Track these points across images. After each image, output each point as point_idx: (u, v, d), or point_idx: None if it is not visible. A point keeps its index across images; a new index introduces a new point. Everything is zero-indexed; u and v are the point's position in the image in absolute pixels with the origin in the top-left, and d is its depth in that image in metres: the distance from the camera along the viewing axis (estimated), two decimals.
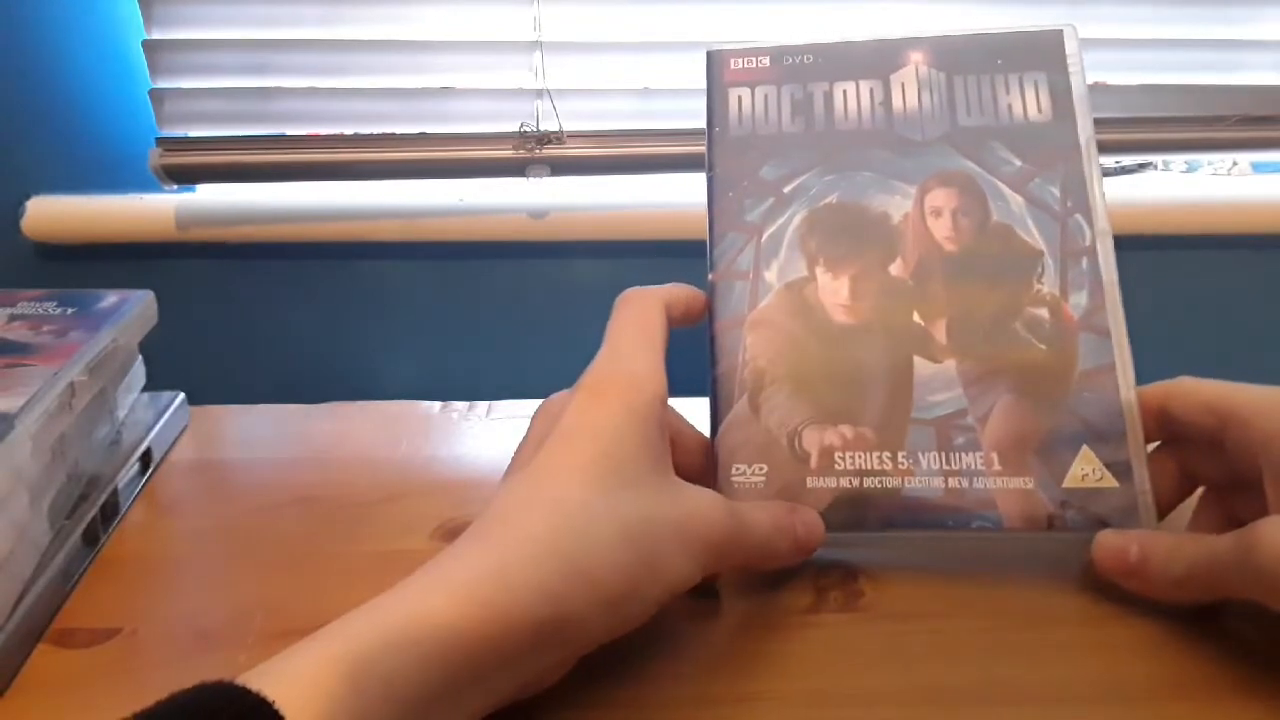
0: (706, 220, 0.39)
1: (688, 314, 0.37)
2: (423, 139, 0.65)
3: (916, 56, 0.40)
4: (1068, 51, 0.40)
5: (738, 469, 0.35)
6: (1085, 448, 0.35)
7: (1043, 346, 0.36)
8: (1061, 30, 0.40)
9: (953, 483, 0.34)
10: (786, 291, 0.37)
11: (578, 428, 0.31)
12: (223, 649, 0.35)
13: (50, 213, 0.67)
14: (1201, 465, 0.36)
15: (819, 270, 0.37)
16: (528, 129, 0.65)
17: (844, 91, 0.40)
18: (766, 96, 0.40)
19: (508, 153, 0.65)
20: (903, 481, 0.35)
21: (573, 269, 0.70)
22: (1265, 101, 0.67)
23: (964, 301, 0.36)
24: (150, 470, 0.46)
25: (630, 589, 0.29)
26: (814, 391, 0.36)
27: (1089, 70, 0.70)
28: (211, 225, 0.68)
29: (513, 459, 0.34)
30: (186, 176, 0.66)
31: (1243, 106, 0.67)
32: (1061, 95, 0.39)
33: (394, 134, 0.65)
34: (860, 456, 0.35)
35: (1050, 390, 0.35)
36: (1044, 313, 0.36)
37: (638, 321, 0.35)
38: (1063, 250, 0.37)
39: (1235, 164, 0.75)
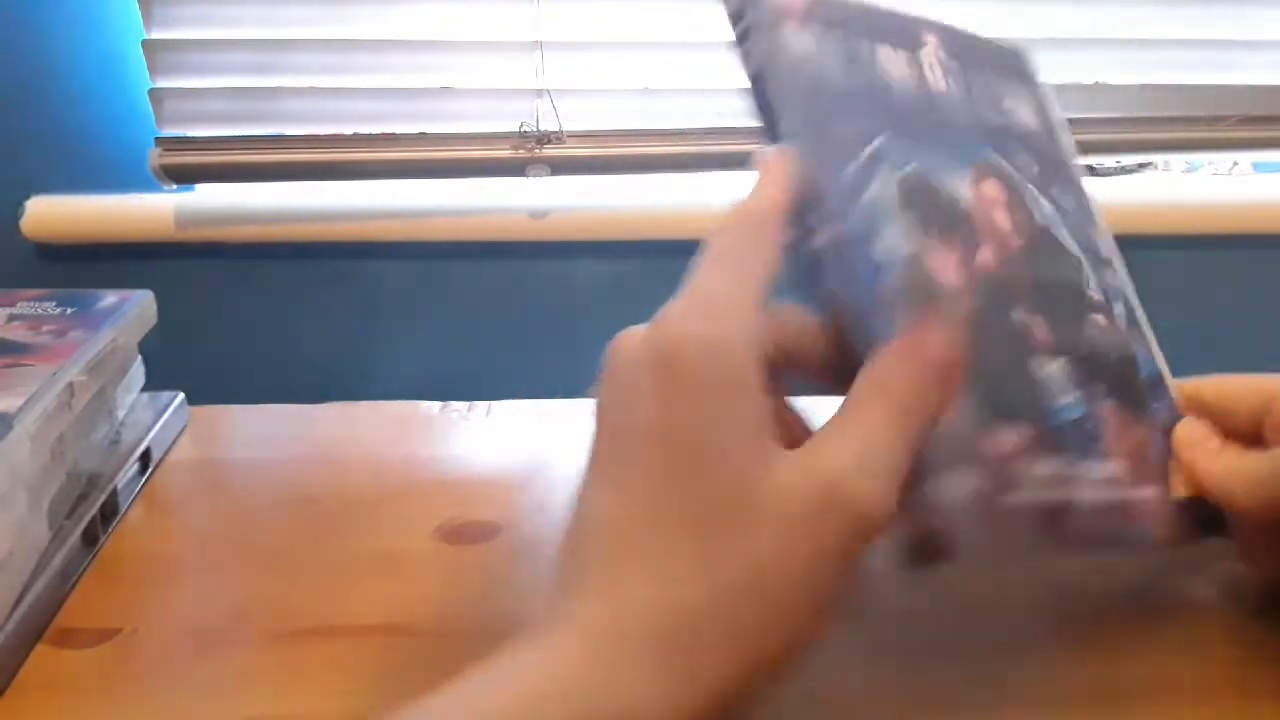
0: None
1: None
2: (423, 139, 0.65)
3: (931, 39, 0.35)
4: (1033, 70, 0.37)
5: (945, 479, 0.27)
6: (1172, 459, 0.32)
7: (1113, 355, 0.33)
8: (1019, 50, 0.37)
9: (1101, 494, 0.31)
10: (913, 269, 0.30)
11: (658, 423, 0.24)
12: (222, 649, 0.35)
13: (50, 213, 0.67)
14: None
15: (927, 248, 0.30)
16: (528, 129, 0.65)
17: (885, 54, 0.34)
18: (817, 39, 0.33)
19: (507, 153, 0.65)
20: (1070, 494, 0.30)
21: (573, 269, 0.70)
22: (1265, 101, 0.67)
23: (1048, 298, 0.32)
24: (150, 470, 0.46)
25: (753, 672, 0.23)
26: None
27: (1090, 70, 0.70)
28: (211, 225, 0.68)
29: (601, 422, 0.26)
30: (186, 176, 0.65)
31: (1243, 106, 0.67)
32: (1043, 112, 0.37)
33: (394, 134, 0.65)
34: (1041, 462, 0.29)
35: (1137, 398, 0.33)
36: (1101, 319, 0.33)
37: (744, 253, 0.26)
38: (1089, 260, 0.35)
39: (1235, 164, 0.75)
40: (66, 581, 0.38)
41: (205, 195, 0.69)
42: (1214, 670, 0.33)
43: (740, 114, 0.66)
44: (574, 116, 0.65)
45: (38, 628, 0.36)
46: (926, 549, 0.26)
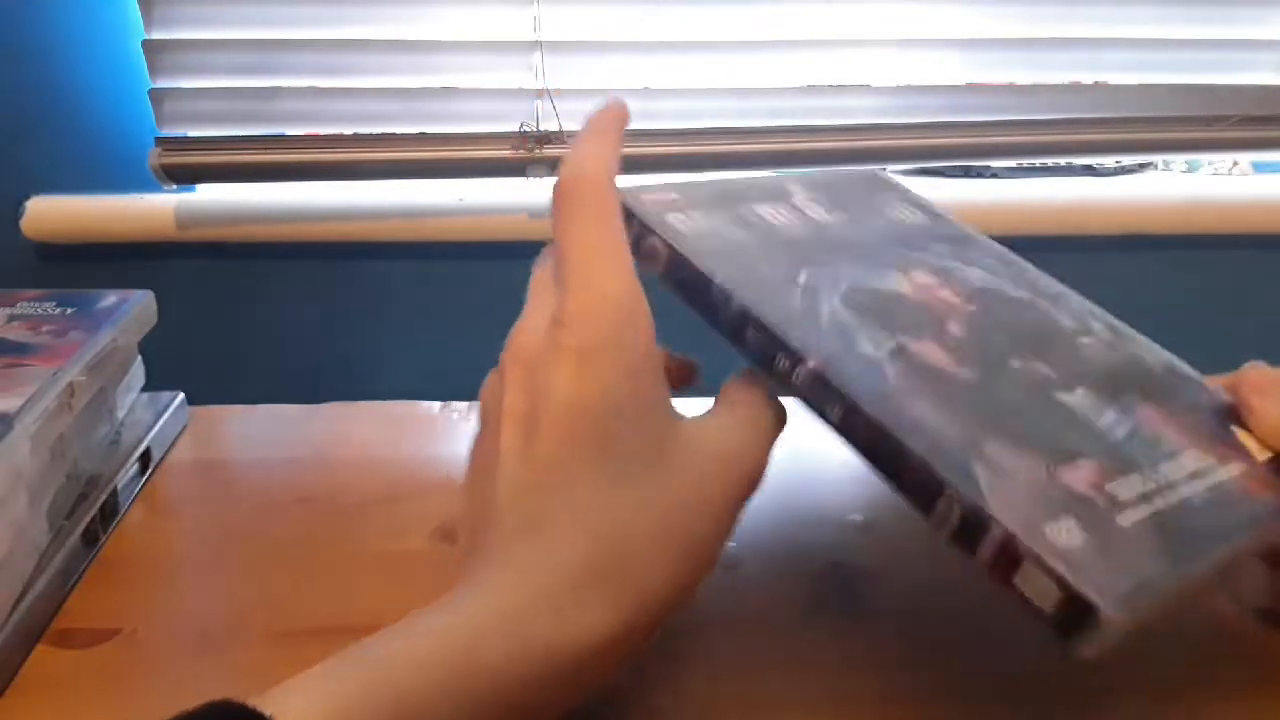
0: (741, 327, 0.32)
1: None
2: (423, 139, 0.65)
3: (793, 187, 0.39)
4: (890, 180, 0.41)
5: (1051, 529, 0.26)
6: (1236, 431, 0.32)
7: (1120, 364, 0.33)
8: (871, 171, 0.41)
9: (1201, 484, 0.29)
10: (904, 361, 0.31)
11: (576, 409, 0.26)
12: (223, 649, 0.35)
13: (50, 213, 0.67)
14: None
15: (902, 340, 0.32)
16: (528, 129, 0.65)
17: (765, 210, 0.37)
18: (701, 216, 0.36)
19: (507, 153, 0.65)
20: (1180, 498, 0.29)
21: None
22: (1265, 101, 0.67)
23: (1031, 341, 0.33)
24: (150, 470, 0.46)
25: (685, 585, 0.26)
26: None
27: (1089, 70, 0.70)
28: (211, 225, 0.68)
29: (490, 431, 0.29)
30: (186, 176, 0.65)
31: (1243, 106, 0.66)
32: (920, 205, 0.39)
33: (394, 134, 0.65)
34: (1122, 483, 0.28)
35: (1168, 390, 0.33)
36: (1088, 340, 0.34)
37: (603, 229, 0.28)
38: (1043, 299, 0.36)
39: (1235, 164, 0.75)
40: (66, 581, 0.38)
41: (205, 195, 0.69)
42: (1218, 671, 0.33)
43: (739, 114, 0.66)
44: (574, 116, 0.65)
45: (38, 628, 0.36)
46: (1075, 613, 0.24)
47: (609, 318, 0.27)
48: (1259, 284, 0.72)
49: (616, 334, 0.27)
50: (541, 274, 0.32)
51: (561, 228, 0.29)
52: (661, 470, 0.26)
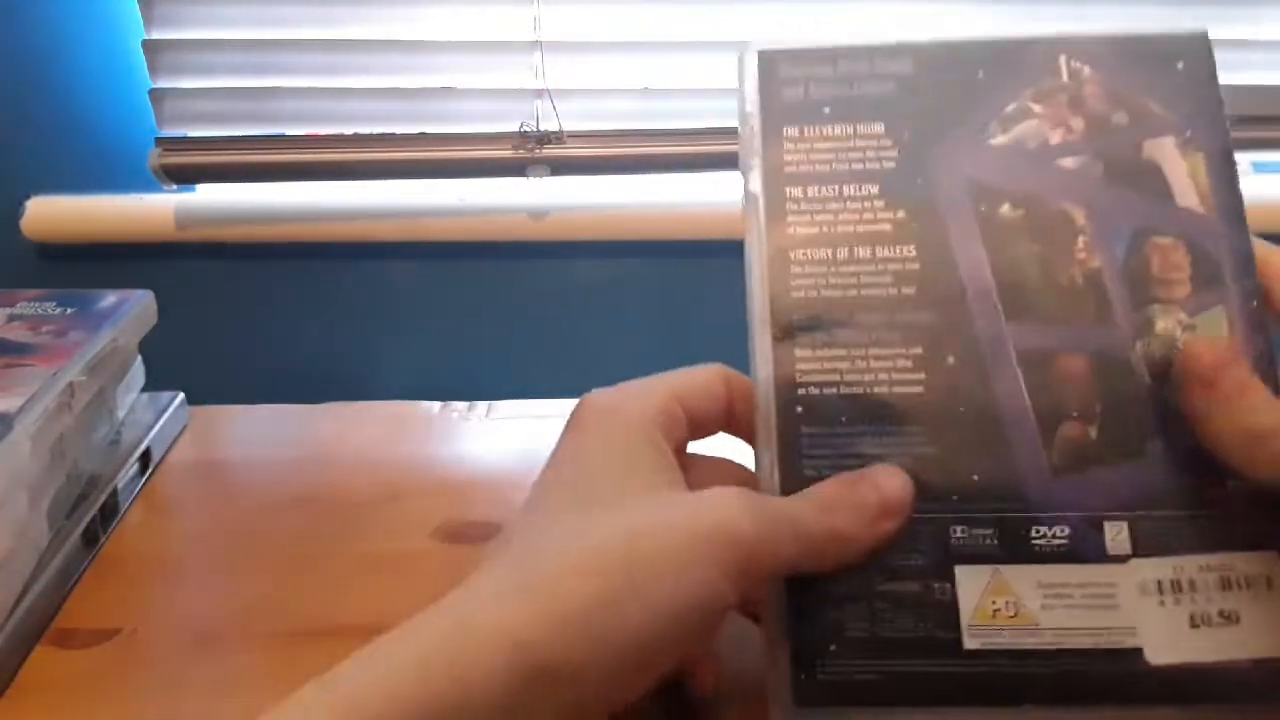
0: None
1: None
2: (423, 139, 0.65)
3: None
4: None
5: None
6: None
7: None
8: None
9: None
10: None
11: (554, 460, 0.29)
12: (222, 649, 0.35)
13: (50, 213, 0.67)
14: None
15: None
16: (528, 129, 0.65)
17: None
18: None
19: (508, 153, 0.65)
20: None
21: (573, 269, 0.70)
22: (1265, 101, 0.67)
23: None
24: (150, 470, 0.46)
25: (612, 617, 0.24)
26: None
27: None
28: (211, 225, 0.68)
29: None
30: (186, 176, 0.66)
31: (1243, 106, 0.66)
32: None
33: (394, 134, 0.65)
34: None
35: None
36: None
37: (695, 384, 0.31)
38: None
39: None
40: (66, 581, 0.38)
41: (205, 195, 0.69)
42: None
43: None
44: (574, 116, 0.65)
45: (38, 628, 0.36)
46: None
47: (604, 405, 0.30)
48: None
49: (605, 413, 0.29)
50: None
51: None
52: (623, 520, 0.26)
